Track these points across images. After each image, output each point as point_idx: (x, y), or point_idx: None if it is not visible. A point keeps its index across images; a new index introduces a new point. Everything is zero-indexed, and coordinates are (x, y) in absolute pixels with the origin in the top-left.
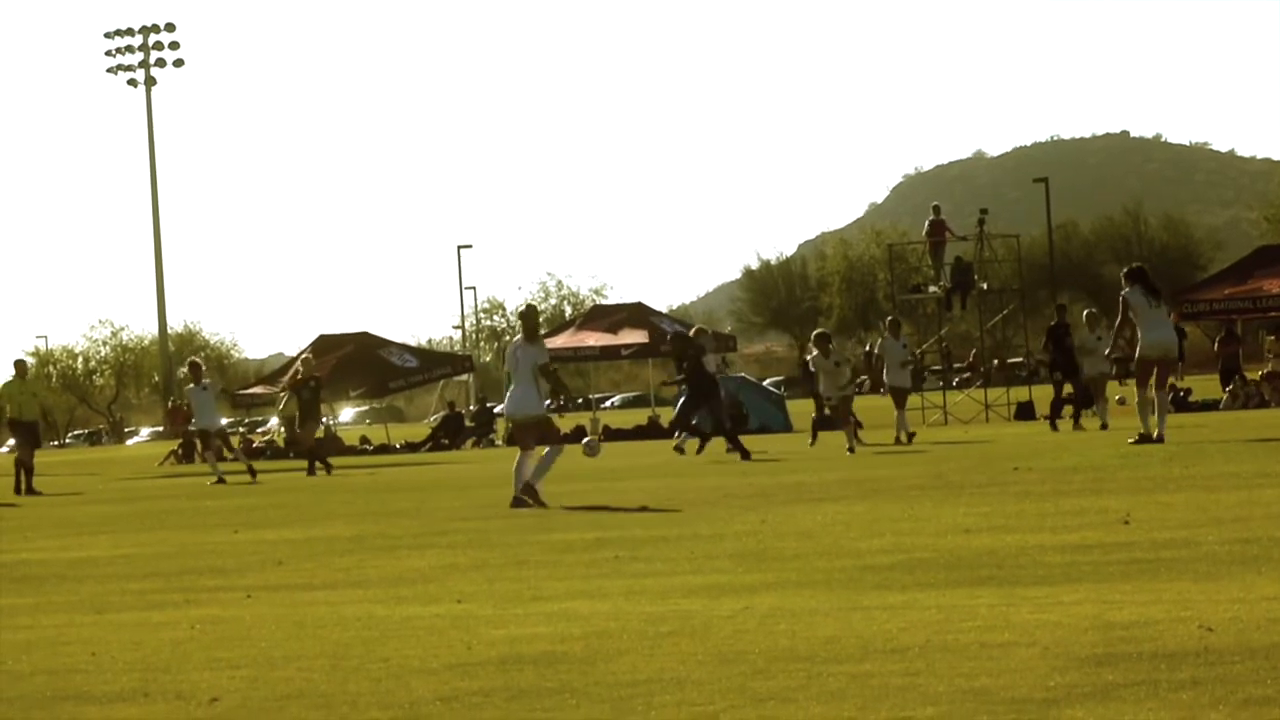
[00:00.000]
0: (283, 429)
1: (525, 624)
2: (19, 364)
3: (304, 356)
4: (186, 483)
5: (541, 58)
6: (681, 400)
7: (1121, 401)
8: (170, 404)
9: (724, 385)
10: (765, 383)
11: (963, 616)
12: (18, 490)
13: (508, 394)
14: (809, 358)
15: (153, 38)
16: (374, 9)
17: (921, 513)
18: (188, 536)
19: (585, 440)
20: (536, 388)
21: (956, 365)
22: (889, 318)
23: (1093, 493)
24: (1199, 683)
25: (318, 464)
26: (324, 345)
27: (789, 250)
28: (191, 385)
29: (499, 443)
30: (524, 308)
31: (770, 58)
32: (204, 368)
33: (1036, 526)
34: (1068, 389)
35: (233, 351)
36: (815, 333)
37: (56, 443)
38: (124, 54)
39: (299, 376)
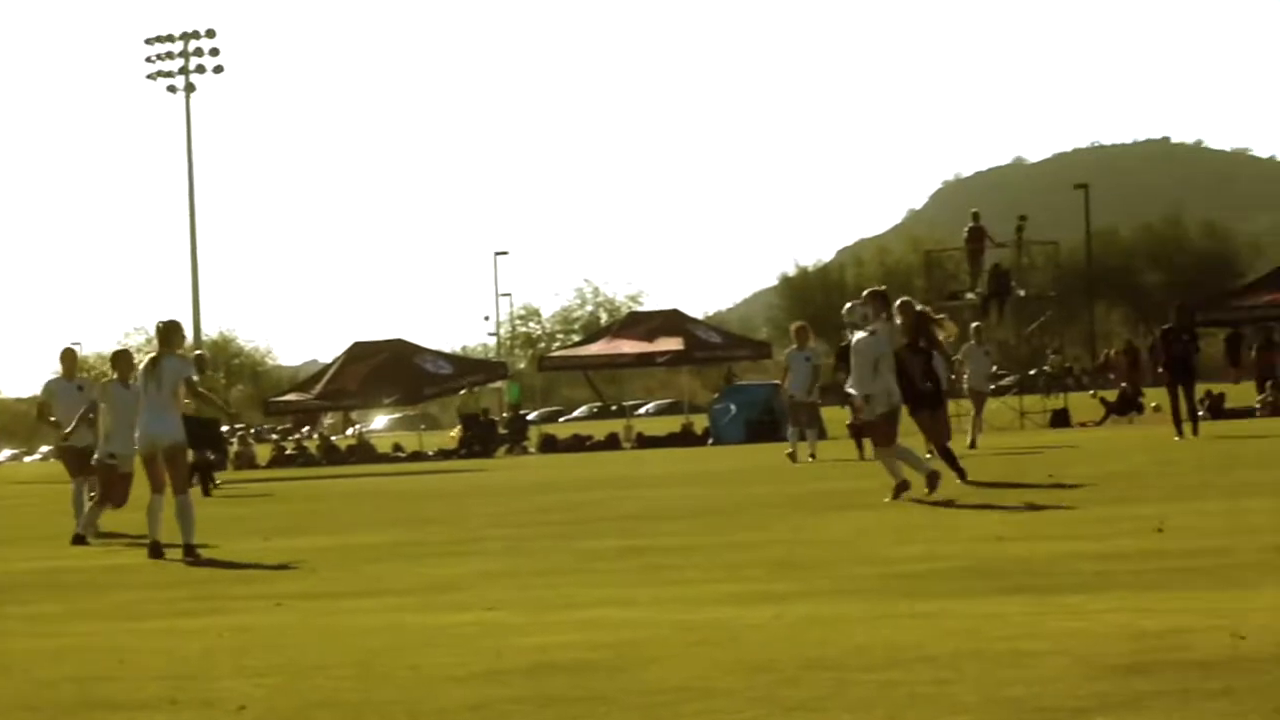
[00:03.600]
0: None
1: (556, 632)
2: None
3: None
4: (233, 488)
5: (577, 64)
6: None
7: (1157, 408)
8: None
9: (757, 393)
10: None
11: (994, 624)
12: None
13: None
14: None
15: (193, 44)
16: (410, 17)
17: (953, 520)
18: (218, 544)
19: None
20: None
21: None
22: (974, 325)
23: (1127, 501)
24: (1231, 691)
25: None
26: (359, 353)
27: (827, 257)
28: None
29: (531, 450)
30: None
31: (810, 63)
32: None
33: (1069, 534)
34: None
35: (267, 359)
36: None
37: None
38: (164, 60)
39: None
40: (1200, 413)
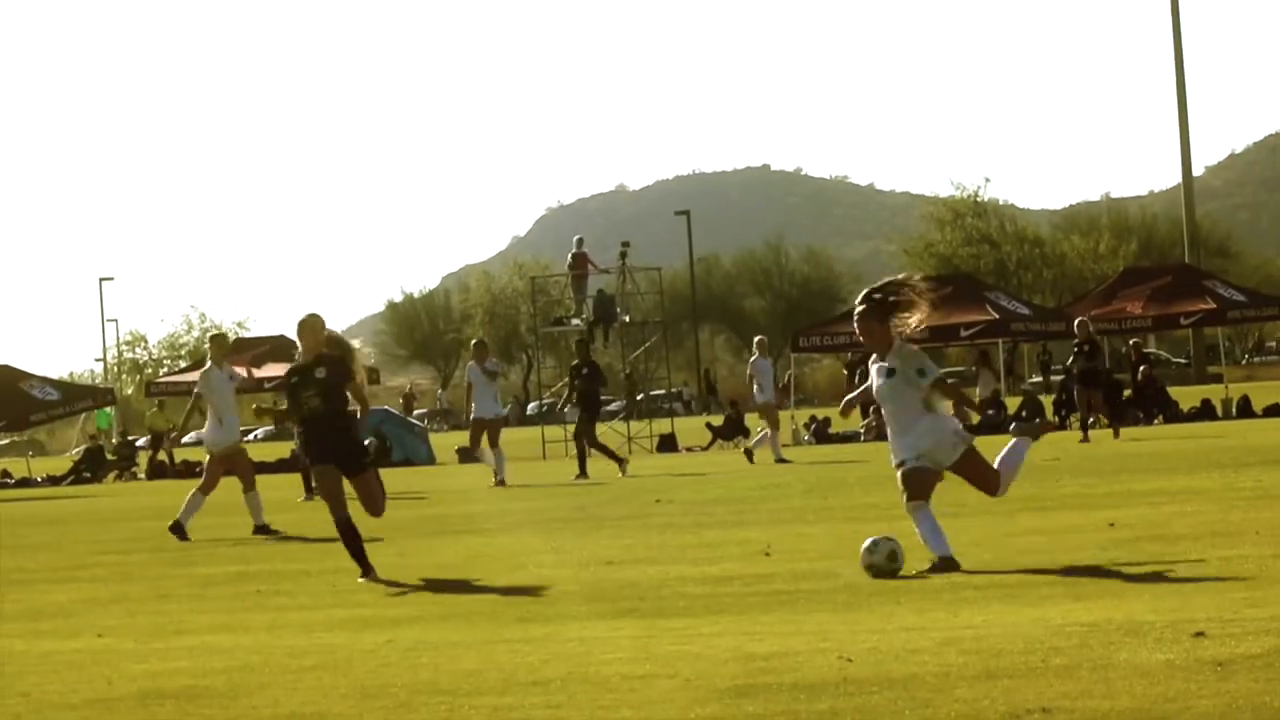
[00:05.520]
0: None
1: (167, 658)
2: None
3: None
4: None
5: (171, 90)
6: None
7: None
8: None
9: (370, 419)
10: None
11: (604, 648)
12: None
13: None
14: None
15: None
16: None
17: (564, 545)
18: None
19: None
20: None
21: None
22: (475, 339)
23: (734, 525)
24: (838, 713)
25: None
26: None
27: (432, 283)
28: None
29: (141, 476)
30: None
31: (414, 92)
32: None
33: (678, 558)
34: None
35: None
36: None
37: None
38: None
39: None
40: (806, 436)
